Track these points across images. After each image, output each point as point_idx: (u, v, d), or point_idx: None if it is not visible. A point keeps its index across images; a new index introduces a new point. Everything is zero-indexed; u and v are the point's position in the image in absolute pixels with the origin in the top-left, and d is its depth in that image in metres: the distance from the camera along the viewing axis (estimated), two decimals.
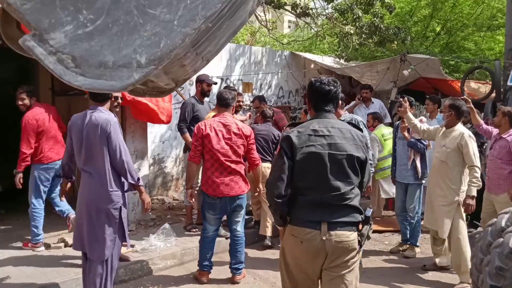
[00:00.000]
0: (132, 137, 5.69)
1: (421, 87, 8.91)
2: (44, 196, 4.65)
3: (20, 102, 4.63)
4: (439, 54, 9.86)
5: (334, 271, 2.38)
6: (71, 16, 1.17)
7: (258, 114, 5.97)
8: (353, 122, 4.09)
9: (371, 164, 3.70)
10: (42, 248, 4.66)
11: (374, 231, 6.13)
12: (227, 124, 4.11)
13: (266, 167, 5.10)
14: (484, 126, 5.08)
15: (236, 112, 5.39)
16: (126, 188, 3.32)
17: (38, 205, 4.60)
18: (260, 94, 8.44)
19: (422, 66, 7.97)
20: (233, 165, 4.06)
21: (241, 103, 5.99)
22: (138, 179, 3.36)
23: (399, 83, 8.36)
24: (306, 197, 2.37)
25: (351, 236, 2.37)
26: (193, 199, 4.22)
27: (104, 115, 3.28)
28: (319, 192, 2.36)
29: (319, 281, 2.46)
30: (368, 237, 2.47)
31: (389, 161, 5.83)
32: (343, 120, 3.48)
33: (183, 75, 1.74)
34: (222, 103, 4.22)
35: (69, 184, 3.57)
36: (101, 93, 3.43)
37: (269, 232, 5.34)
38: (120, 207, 3.27)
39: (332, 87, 2.51)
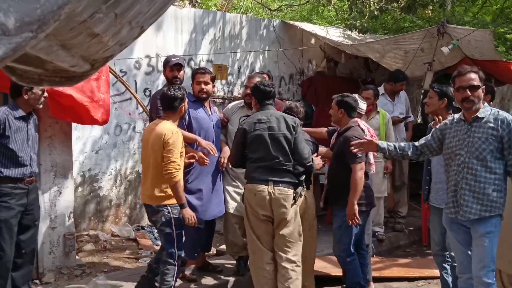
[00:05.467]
0: (49, 145, 5.48)
1: None
2: None
3: None
4: (492, 25, 9.85)
5: (279, 222, 4.73)
6: None
7: None
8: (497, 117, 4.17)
9: None
10: None
11: (401, 279, 6.09)
12: None
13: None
14: None
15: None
16: None
17: None
18: (240, 80, 8.31)
19: (468, 41, 7.93)
20: None
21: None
22: None
23: (436, 66, 8.29)
24: (256, 164, 4.75)
25: (289, 191, 4.69)
26: None
27: None
28: (265, 160, 4.72)
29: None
30: (301, 195, 4.88)
31: None
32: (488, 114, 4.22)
33: (100, 50, 1.54)
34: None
35: None
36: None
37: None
38: None
39: (272, 88, 4.96)
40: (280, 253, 4.74)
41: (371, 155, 5.63)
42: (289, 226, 4.73)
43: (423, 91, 7.96)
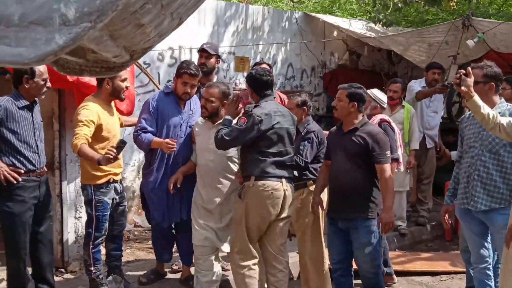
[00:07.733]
0: None
1: None
2: None
3: None
4: None
5: (283, 220, 4.56)
6: None
7: None
8: None
9: None
10: None
11: (425, 273, 6.08)
12: None
13: None
14: None
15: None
16: None
17: None
18: None
19: (494, 34, 7.86)
20: None
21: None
22: None
23: (461, 59, 8.22)
24: (270, 159, 4.43)
25: (292, 188, 4.58)
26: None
27: None
28: (280, 155, 4.49)
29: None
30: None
31: None
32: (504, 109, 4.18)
33: (141, 41, 1.58)
34: None
35: None
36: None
37: None
38: None
39: (269, 77, 4.57)
40: (280, 257, 4.62)
41: (400, 151, 5.57)
42: (286, 225, 4.66)
43: (447, 84, 7.88)
